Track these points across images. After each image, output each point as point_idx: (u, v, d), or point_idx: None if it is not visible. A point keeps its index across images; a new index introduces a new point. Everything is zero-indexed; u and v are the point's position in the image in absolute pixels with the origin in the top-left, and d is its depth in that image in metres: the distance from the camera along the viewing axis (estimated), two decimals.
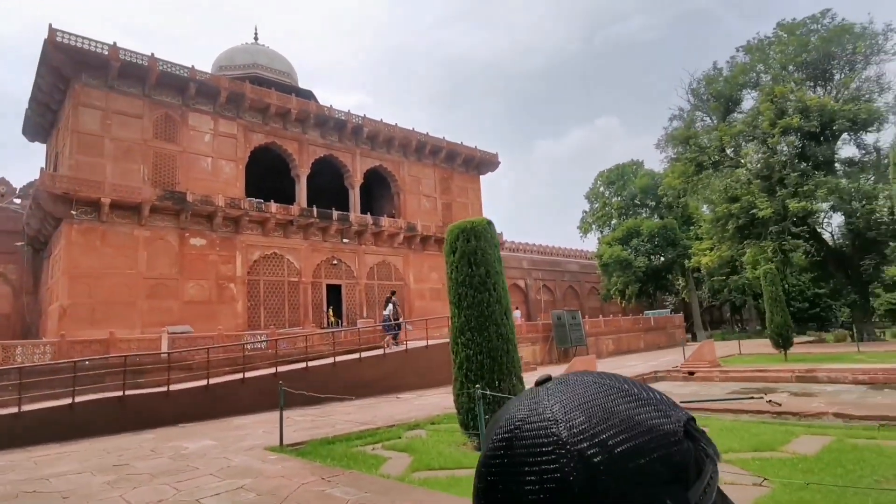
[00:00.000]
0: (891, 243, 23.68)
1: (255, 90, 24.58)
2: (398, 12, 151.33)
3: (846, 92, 24.28)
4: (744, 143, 26.41)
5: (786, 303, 19.11)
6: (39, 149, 26.81)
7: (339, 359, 14.45)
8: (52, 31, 19.50)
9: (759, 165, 25.00)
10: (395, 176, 30.16)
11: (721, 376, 14.40)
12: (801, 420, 8.13)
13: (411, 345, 16.03)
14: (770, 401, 9.53)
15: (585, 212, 45.82)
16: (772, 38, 26.45)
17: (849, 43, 24.01)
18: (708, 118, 28.69)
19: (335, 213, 25.86)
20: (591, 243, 55.69)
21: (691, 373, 15.37)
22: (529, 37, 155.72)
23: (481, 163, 34.38)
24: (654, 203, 40.88)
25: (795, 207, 22.04)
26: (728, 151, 27.07)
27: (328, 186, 28.64)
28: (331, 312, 25.31)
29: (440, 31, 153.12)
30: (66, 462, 7.74)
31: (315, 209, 25.09)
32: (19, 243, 24.03)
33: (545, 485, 0.38)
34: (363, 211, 28.45)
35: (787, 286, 29.23)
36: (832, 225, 27.32)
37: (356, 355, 14.97)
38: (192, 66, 22.73)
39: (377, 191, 31.30)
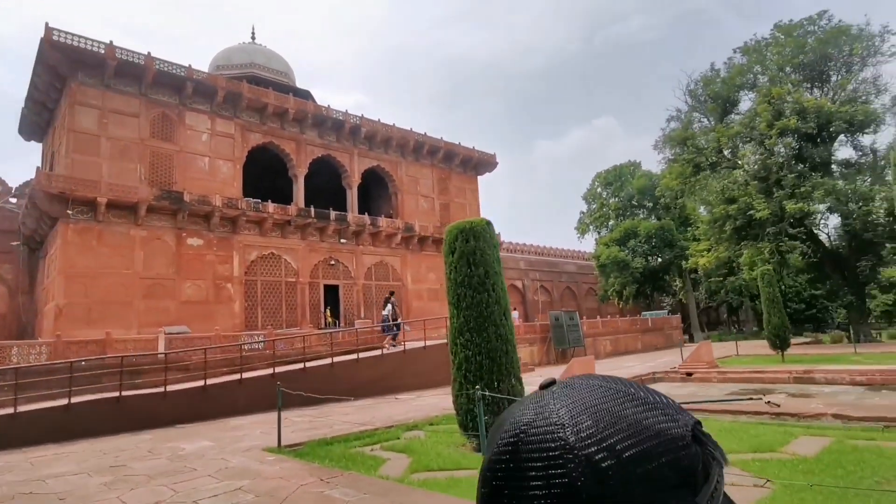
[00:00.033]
0: (887, 245, 23.79)
1: (252, 90, 24.53)
2: (397, 12, 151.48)
3: (843, 93, 24.35)
4: (741, 145, 26.50)
5: (783, 304, 19.17)
6: (36, 148, 26.75)
7: (336, 359, 14.38)
8: (49, 30, 19.42)
9: (756, 167, 25.06)
10: (393, 176, 30.14)
11: (719, 377, 14.40)
12: (799, 421, 8.13)
13: (409, 345, 15.95)
14: (769, 402, 9.53)
15: (583, 212, 45.94)
16: (769, 40, 26.54)
17: (845, 45, 24.12)
18: (705, 119, 28.76)
19: (333, 214, 25.81)
20: (588, 244, 55.72)
21: (689, 374, 15.37)
22: (529, 37, 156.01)
23: (479, 163, 34.40)
24: (651, 204, 40.95)
25: (792, 209, 22.11)
26: (725, 153, 27.14)
27: (326, 186, 28.61)
28: (328, 313, 25.26)
29: (439, 31, 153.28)
30: (63, 463, 7.68)
31: (312, 209, 25.05)
32: (15, 243, 23.90)
33: (552, 490, 0.38)
34: (361, 211, 28.42)
35: (783, 287, 29.25)
36: (829, 226, 27.38)
37: (354, 356, 14.90)
38: (189, 66, 22.67)
39: (375, 191, 31.27)
